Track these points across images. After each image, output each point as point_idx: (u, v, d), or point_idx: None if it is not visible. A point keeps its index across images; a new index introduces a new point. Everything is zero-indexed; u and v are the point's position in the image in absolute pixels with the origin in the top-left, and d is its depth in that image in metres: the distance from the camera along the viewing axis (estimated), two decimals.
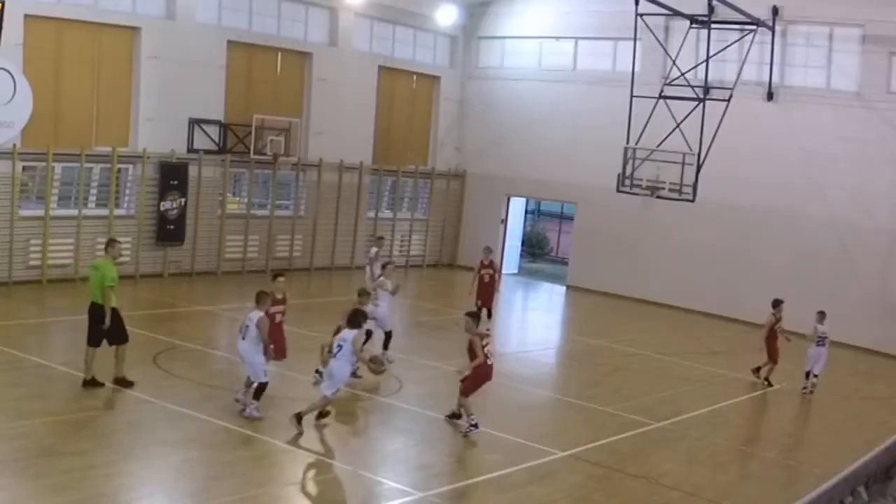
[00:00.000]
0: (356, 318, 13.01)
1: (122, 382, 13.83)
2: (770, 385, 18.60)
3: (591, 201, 28.23)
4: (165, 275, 23.71)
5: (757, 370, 18.94)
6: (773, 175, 24.96)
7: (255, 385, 13.18)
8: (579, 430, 14.47)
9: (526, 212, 34.13)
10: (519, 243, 32.36)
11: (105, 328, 13.57)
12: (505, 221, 31.11)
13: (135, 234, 23.04)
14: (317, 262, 27.35)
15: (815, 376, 18.33)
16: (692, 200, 22.22)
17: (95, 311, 13.67)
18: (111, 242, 14.33)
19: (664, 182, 22.20)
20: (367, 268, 21.02)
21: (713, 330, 23.55)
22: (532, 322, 22.88)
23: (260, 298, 13.59)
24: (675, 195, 22.28)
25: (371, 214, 28.94)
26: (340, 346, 12.69)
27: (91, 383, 13.60)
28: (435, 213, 30.90)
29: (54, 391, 13.55)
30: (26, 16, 20.23)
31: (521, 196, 31.60)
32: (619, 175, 22.92)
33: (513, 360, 20.40)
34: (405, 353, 18.48)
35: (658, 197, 22.69)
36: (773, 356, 18.65)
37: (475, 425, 13.34)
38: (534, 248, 36.03)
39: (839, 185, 24.07)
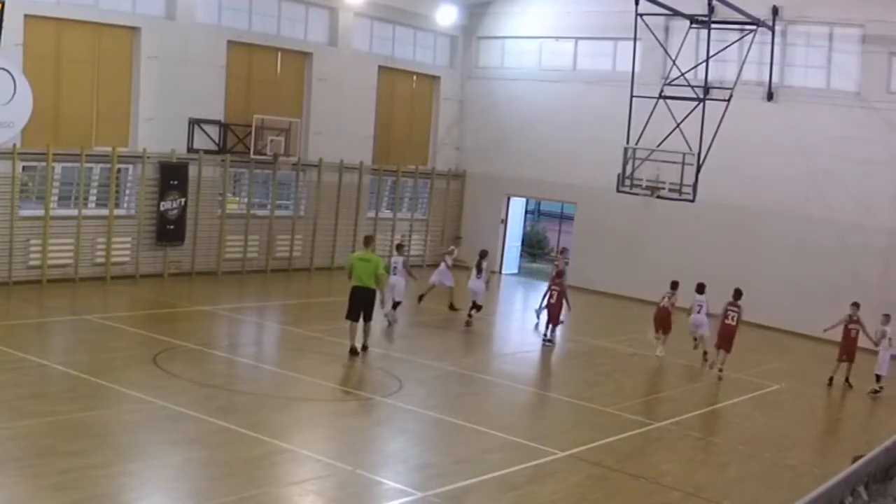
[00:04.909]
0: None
1: (365, 349, 17.40)
2: (850, 386, 19.21)
3: (591, 201, 28.22)
4: (165, 275, 23.71)
5: (835, 380, 19.44)
6: (773, 175, 24.95)
7: (397, 302, 20.66)
8: (579, 430, 14.46)
9: (526, 212, 34.12)
10: (519, 243, 32.35)
11: (385, 306, 18.28)
12: (505, 221, 31.11)
13: (135, 234, 23.04)
14: (317, 262, 27.34)
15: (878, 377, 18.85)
16: (692, 200, 22.21)
17: (360, 294, 17.09)
18: (371, 238, 18.24)
19: (664, 182, 22.21)
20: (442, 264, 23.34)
21: (713, 330, 23.47)
22: (532, 322, 22.86)
23: (399, 248, 21.73)
24: (675, 195, 22.27)
25: (371, 214, 28.94)
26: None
27: (353, 351, 17.19)
28: (435, 213, 30.90)
29: (54, 391, 13.56)
30: (26, 16, 20.22)
31: (521, 196, 31.59)
32: (619, 175, 22.92)
33: (513, 360, 20.43)
34: (405, 353, 18.51)
35: (658, 197, 22.68)
36: (840, 355, 19.29)
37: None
38: (533, 248, 36.01)
39: (839, 184, 24.05)
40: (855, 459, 8.27)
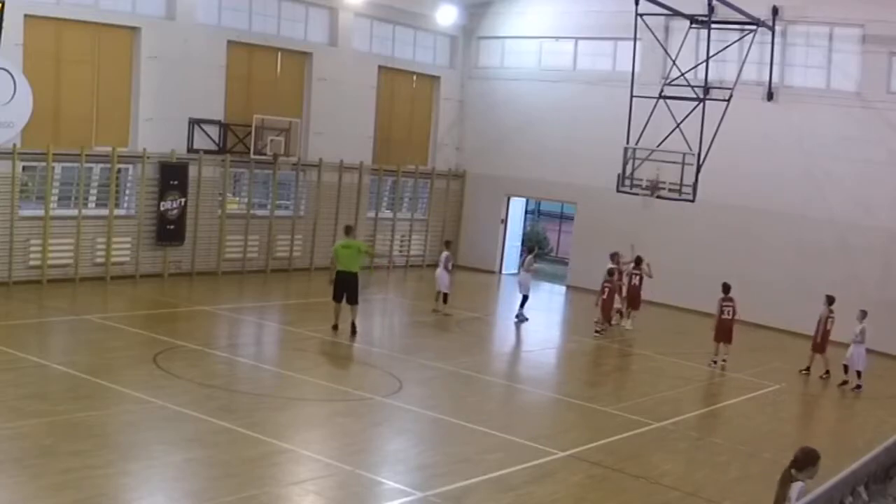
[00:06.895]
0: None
1: (354, 328, 18.75)
2: (828, 374, 19.65)
3: (591, 201, 28.22)
4: (165, 275, 23.71)
5: (807, 370, 19.93)
6: (774, 175, 24.95)
7: (443, 293, 22.23)
8: (579, 430, 14.47)
9: (526, 212, 34.12)
10: (519, 243, 32.33)
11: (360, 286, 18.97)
12: (505, 221, 31.11)
13: (135, 234, 23.04)
14: (317, 262, 27.31)
15: (858, 374, 19.10)
16: (692, 200, 22.21)
17: (345, 277, 18.66)
18: (352, 227, 20.08)
19: (664, 182, 22.21)
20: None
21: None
22: (532, 322, 22.88)
23: (448, 244, 23.63)
24: (675, 195, 22.28)
25: (371, 214, 28.95)
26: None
27: (336, 328, 18.75)
28: (435, 213, 30.89)
29: (54, 391, 13.56)
30: (26, 16, 20.22)
31: (521, 196, 31.58)
32: (619, 175, 22.93)
33: (513, 360, 20.46)
34: (405, 353, 18.51)
35: (658, 197, 22.70)
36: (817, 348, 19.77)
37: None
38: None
39: (839, 184, 24.05)
40: (794, 464, 8.34)
